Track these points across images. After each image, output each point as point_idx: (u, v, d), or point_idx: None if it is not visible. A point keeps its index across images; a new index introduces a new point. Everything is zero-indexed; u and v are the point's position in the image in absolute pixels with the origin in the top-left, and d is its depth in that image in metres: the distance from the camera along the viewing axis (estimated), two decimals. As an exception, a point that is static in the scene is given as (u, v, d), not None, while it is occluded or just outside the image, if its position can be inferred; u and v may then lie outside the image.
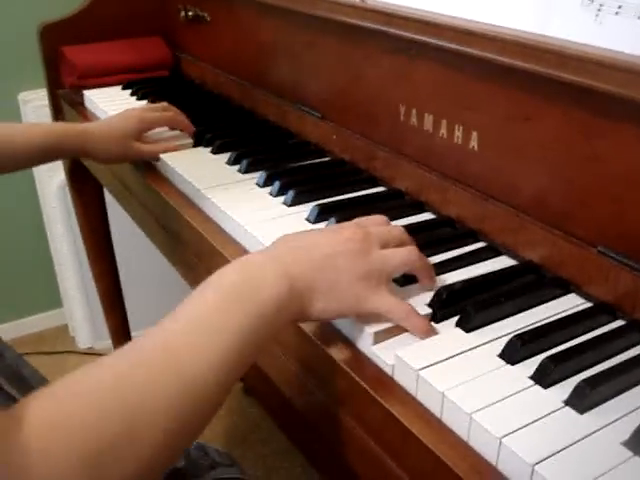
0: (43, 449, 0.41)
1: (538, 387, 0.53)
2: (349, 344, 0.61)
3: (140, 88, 1.36)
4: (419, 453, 0.51)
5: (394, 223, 0.81)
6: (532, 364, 0.55)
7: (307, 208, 0.84)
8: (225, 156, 1.02)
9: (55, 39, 1.41)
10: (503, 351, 0.57)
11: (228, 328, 0.51)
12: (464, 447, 0.50)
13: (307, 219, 0.82)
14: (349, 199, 0.88)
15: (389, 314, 0.59)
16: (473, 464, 0.48)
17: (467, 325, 0.60)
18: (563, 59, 0.63)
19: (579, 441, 0.48)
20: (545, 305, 0.65)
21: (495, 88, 0.74)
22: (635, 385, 0.54)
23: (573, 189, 0.68)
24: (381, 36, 0.87)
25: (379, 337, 0.59)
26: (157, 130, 1.10)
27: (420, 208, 0.86)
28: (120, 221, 1.60)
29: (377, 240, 0.61)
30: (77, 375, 0.46)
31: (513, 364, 0.56)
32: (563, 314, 0.63)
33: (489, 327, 0.61)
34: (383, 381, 0.57)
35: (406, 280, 0.67)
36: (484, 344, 0.58)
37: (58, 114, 1.47)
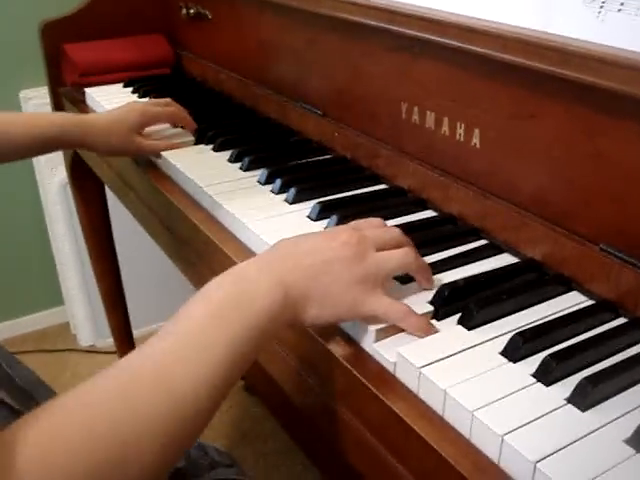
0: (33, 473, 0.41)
1: (540, 385, 0.53)
2: (351, 341, 0.61)
3: (142, 86, 1.36)
4: (421, 451, 0.51)
5: (396, 221, 0.81)
6: (534, 362, 0.55)
7: (309, 206, 0.84)
8: (227, 154, 1.02)
9: (57, 37, 1.41)
10: (505, 349, 0.57)
11: (220, 342, 0.50)
12: (466, 445, 0.50)
13: (309, 217, 0.82)
14: (351, 197, 0.88)
15: (386, 316, 0.59)
16: (475, 462, 0.48)
17: (469, 323, 0.60)
18: (565, 56, 0.63)
19: (581, 439, 0.48)
20: (547, 303, 0.65)
21: (497, 85, 0.74)
22: (637, 383, 0.54)
23: (575, 186, 0.68)
24: (383, 33, 0.87)
25: (381, 334, 0.59)
26: (159, 127, 1.10)
27: (422, 206, 0.86)
28: (121, 219, 1.60)
29: (373, 243, 0.61)
30: (66, 397, 0.46)
31: (515, 362, 0.56)
32: (565, 312, 0.63)
33: (491, 325, 0.61)
34: (385, 378, 0.57)
35: (408, 278, 0.66)
36: (486, 342, 0.58)
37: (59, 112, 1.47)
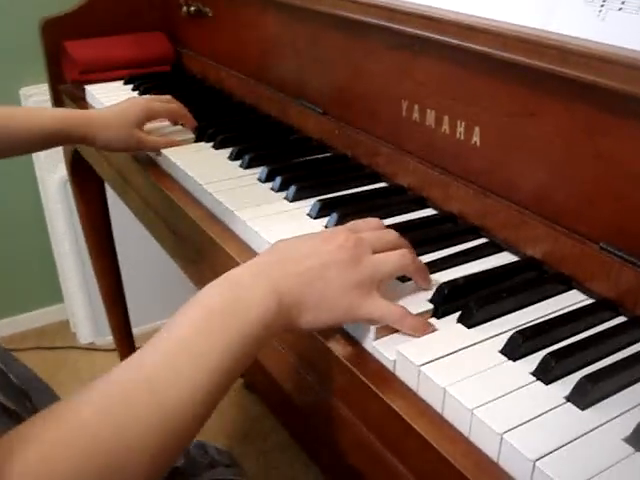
0: None
1: (540, 383, 0.53)
2: (350, 339, 0.61)
3: (142, 83, 1.36)
4: (420, 449, 0.51)
5: (396, 219, 0.81)
6: (534, 360, 0.55)
7: (309, 203, 0.84)
8: (227, 151, 1.02)
9: (57, 34, 1.40)
10: (505, 347, 0.57)
11: (214, 350, 0.50)
12: (465, 443, 0.50)
13: (309, 214, 0.82)
14: (351, 195, 0.88)
15: (382, 319, 0.58)
16: (474, 460, 0.48)
17: (469, 321, 0.60)
18: (566, 55, 0.63)
19: (580, 437, 0.48)
20: (547, 301, 0.65)
21: (497, 84, 0.74)
22: (637, 381, 0.54)
23: (575, 185, 0.68)
24: (384, 31, 0.86)
25: (380, 333, 0.59)
26: (159, 124, 1.10)
27: (422, 204, 0.86)
28: (122, 217, 1.60)
29: (369, 245, 0.60)
30: (58, 412, 0.45)
31: (515, 360, 0.56)
32: (565, 310, 0.63)
33: (491, 323, 0.61)
34: (384, 377, 0.57)
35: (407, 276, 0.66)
36: (486, 340, 0.58)
37: (60, 109, 1.47)
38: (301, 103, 1.10)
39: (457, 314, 0.62)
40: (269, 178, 0.92)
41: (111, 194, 1.44)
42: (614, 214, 0.65)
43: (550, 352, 0.55)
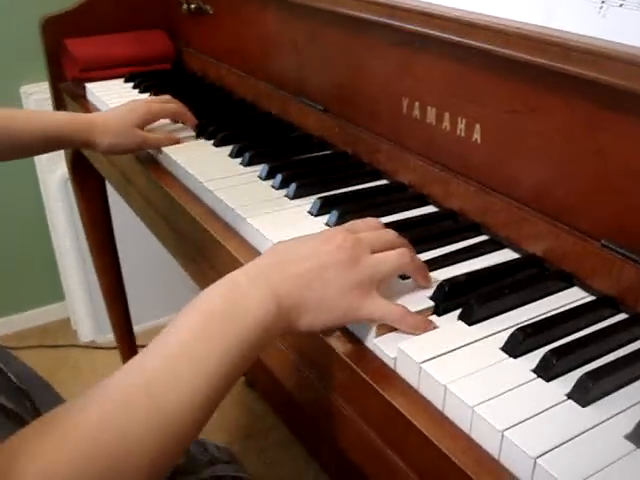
0: None
1: (540, 380, 0.53)
2: (351, 336, 0.61)
3: (142, 81, 1.36)
4: (421, 446, 0.51)
5: (396, 216, 0.81)
6: (535, 357, 0.55)
7: (309, 201, 0.84)
8: (227, 149, 1.02)
9: (57, 32, 1.40)
10: (506, 344, 0.57)
11: (213, 354, 0.50)
12: (466, 440, 0.50)
13: (309, 212, 0.82)
14: (351, 192, 0.88)
15: (383, 319, 0.58)
16: (475, 457, 0.48)
17: (470, 318, 0.60)
18: (567, 51, 0.63)
19: (581, 434, 0.48)
20: (548, 298, 0.65)
21: (498, 80, 0.74)
22: (638, 379, 0.54)
23: (576, 182, 0.68)
24: (384, 28, 0.86)
25: (381, 330, 0.59)
26: (159, 123, 1.10)
27: (423, 201, 0.86)
28: (122, 215, 1.60)
29: (368, 245, 0.60)
30: (59, 417, 0.46)
31: (516, 357, 0.56)
32: (566, 307, 0.63)
33: (492, 320, 0.61)
34: (385, 374, 0.57)
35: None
36: (486, 337, 0.58)
37: (60, 107, 1.46)
38: (301, 100, 1.10)
39: (458, 311, 0.62)
40: (270, 176, 0.92)
41: (112, 192, 1.44)
42: (615, 211, 0.65)
43: (551, 349, 0.55)
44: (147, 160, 1.06)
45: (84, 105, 1.33)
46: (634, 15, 0.61)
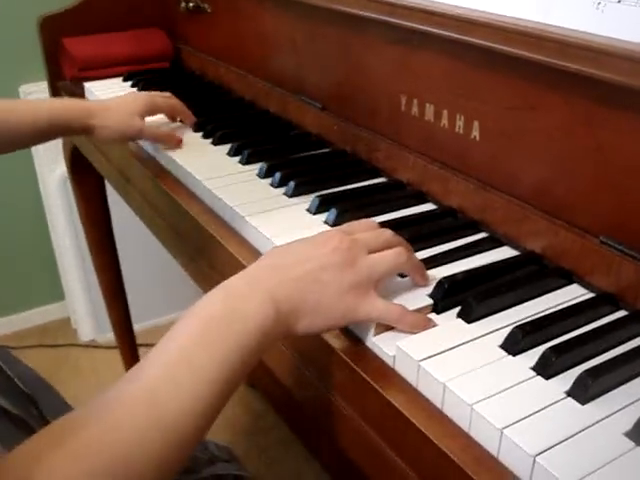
0: None
1: (540, 378, 0.53)
2: (350, 335, 0.61)
3: (141, 80, 1.35)
4: (420, 444, 0.51)
5: (395, 214, 0.81)
6: (534, 355, 0.55)
7: (308, 199, 0.83)
8: (226, 147, 1.02)
9: (55, 31, 1.40)
10: (505, 342, 0.57)
11: (213, 361, 0.50)
12: (465, 438, 0.50)
13: (308, 210, 0.82)
14: (350, 190, 0.88)
15: (381, 319, 0.58)
16: (474, 455, 0.48)
17: (468, 316, 0.60)
18: (565, 48, 0.62)
19: (581, 432, 0.48)
20: (547, 296, 0.65)
21: (497, 77, 0.74)
22: (637, 376, 0.54)
23: (575, 179, 0.68)
24: (383, 26, 0.86)
25: (380, 328, 0.59)
26: (159, 122, 1.10)
27: (421, 199, 0.85)
28: (122, 214, 1.60)
29: (364, 246, 0.60)
30: (63, 428, 0.46)
31: (515, 355, 0.56)
32: (565, 305, 0.63)
33: (491, 318, 0.61)
34: (384, 372, 0.56)
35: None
36: (486, 335, 0.58)
37: (59, 106, 1.46)
38: (300, 99, 1.10)
39: (457, 309, 0.62)
40: (268, 174, 0.91)
41: (111, 191, 1.44)
42: (614, 208, 0.64)
43: (550, 347, 0.55)
44: (145, 158, 1.05)
45: (82, 104, 1.32)
46: (632, 11, 0.61)
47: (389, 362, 0.57)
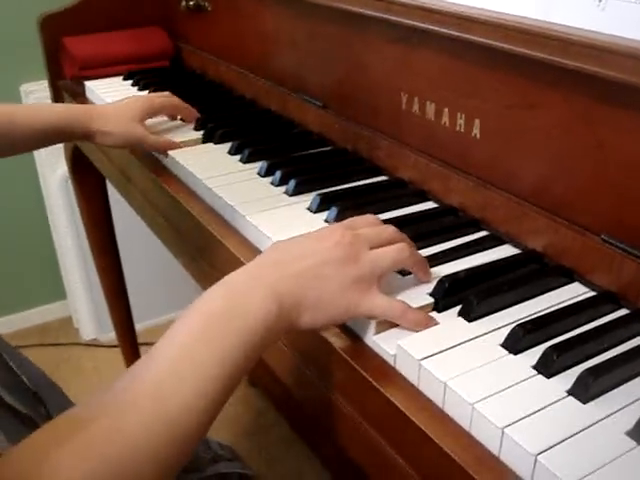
0: None
1: (541, 377, 0.53)
2: (351, 334, 0.61)
3: (141, 78, 1.35)
4: (421, 443, 0.50)
5: (396, 212, 0.81)
6: (535, 354, 0.55)
7: (309, 198, 0.83)
8: (227, 146, 1.02)
9: (56, 30, 1.40)
10: (506, 340, 0.57)
11: (214, 357, 0.50)
12: (466, 437, 0.50)
13: (308, 208, 0.82)
14: (351, 188, 0.88)
15: (384, 315, 0.58)
16: (475, 454, 0.48)
17: (469, 314, 0.60)
18: (566, 45, 0.62)
19: (582, 431, 0.48)
20: (548, 294, 0.65)
21: (497, 75, 0.73)
22: (639, 375, 0.54)
23: (576, 176, 0.68)
24: (382, 24, 0.86)
25: (381, 327, 0.59)
26: (158, 120, 1.09)
27: (422, 197, 0.85)
28: (123, 213, 1.60)
29: (366, 241, 0.60)
30: (67, 423, 0.46)
31: (516, 354, 0.55)
32: (566, 303, 0.63)
33: (492, 316, 0.61)
34: (385, 371, 0.56)
35: (408, 270, 0.66)
36: (486, 333, 0.58)
37: (59, 105, 1.46)
38: (301, 97, 1.09)
39: (458, 308, 0.62)
40: (269, 172, 0.91)
41: (113, 191, 1.44)
42: (615, 205, 0.64)
43: (551, 345, 0.55)
44: (146, 157, 1.05)
45: (83, 103, 1.32)
46: (633, 8, 0.61)
47: (390, 361, 0.57)
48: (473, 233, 0.77)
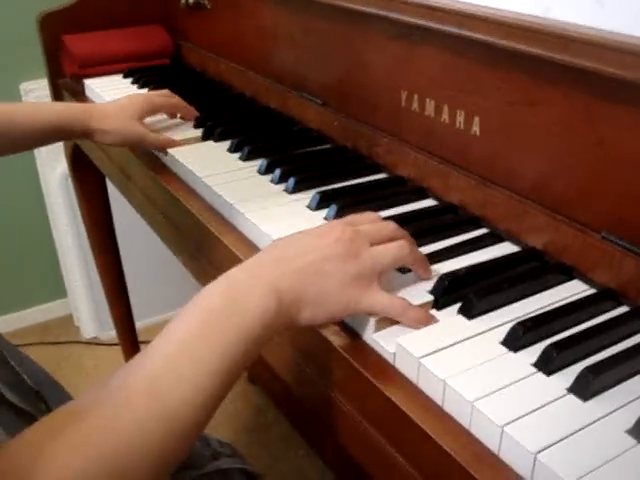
0: None
1: (541, 374, 0.53)
2: (350, 331, 0.61)
3: (141, 76, 1.35)
4: (420, 441, 0.50)
5: (396, 210, 0.81)
6: (535, 351, 0.55)
7: (308, 195, 0.83)
8: (226, 144, 1.01)
9: (55, 28, 1.40)
10: (506, 338, 0.56)
11: (213, 353, 0.50)
12: (466, 435, 0.50)
13: (308, 206, 0.82)
14: (350, 186, 0.87)
15: (384, 312, 0.58)
16: (475, 452, 0.48)
17: (469, 312, 0.60)
18: (566, 42, 0.62)
19: (582, 429, 0.48)
20: (548, 292, 0.65)
21: (497, 73, 0.73)
22: (639, 373, 0.54)
23: (576, 174, 0.67)
24: (382, 21, 0.86)
25: (380, 325, 0.58)
26: (158, 118, 1.09)
27: (422, 194, 0.85)
28: (123, 211, 1.59)
29: (367, 238, 0.60)
30: (62, 418, 0.46)
31: (516, 351, 0.55)
32: (566, 300, 0.63)
33: (492, 314, 0.60)
34: (384, 369, 0.56)
35: (408, 267, 0.66)
36: (486, 331, 0.58)
37: (59, 103, 1.46)
38: (300, 95, 1.09)
39: (458, 305, 0.61)
40: (269, 170, 0.91)
41: (112, 188, 1.44)
42: (615, 203, 0.64)
43: (551, 343, 0.54)
44: (146, 156, 1.05)
45: (83, 101, 1.32)
46: (633, 4, 0.61)
47: (389, 359, 0.57)
48: (473, 231, 0.76)
